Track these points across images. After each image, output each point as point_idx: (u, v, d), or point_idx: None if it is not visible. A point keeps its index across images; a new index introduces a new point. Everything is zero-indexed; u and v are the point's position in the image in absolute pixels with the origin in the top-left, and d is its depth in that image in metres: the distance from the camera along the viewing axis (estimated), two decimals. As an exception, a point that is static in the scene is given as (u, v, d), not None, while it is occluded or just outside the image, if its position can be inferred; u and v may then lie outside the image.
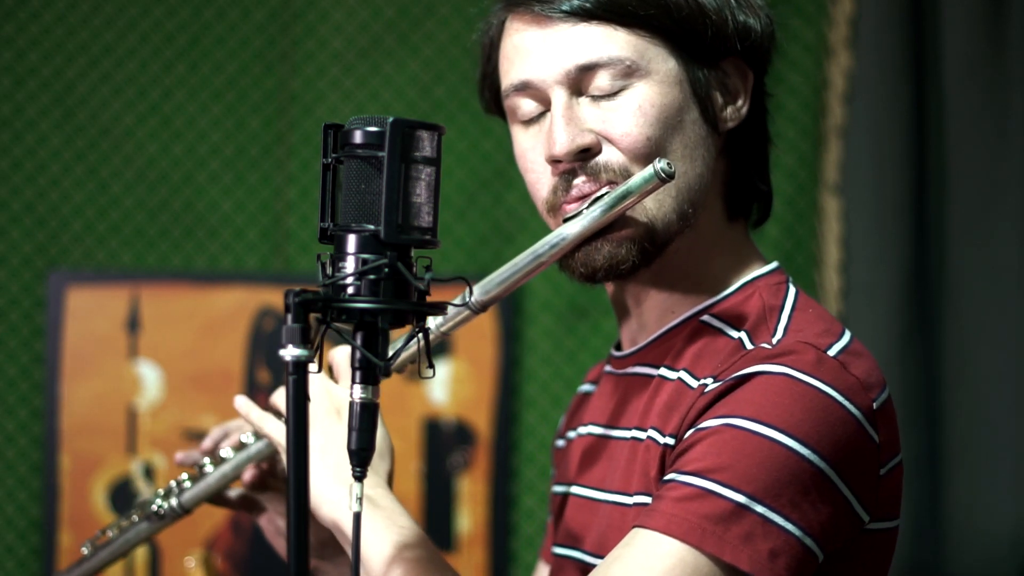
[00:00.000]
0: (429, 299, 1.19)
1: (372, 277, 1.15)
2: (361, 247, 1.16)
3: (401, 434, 2.50)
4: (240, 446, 1.54)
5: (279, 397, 1.47)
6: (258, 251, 2.58)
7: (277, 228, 2.58)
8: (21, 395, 2.56)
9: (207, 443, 1.59)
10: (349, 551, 1.35)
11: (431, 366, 1.21)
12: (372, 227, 1.16)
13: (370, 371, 1.18)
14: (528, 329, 2.55)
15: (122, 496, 2.53)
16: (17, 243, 2.57)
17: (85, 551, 1.62)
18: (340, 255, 1.17)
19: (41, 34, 2.58)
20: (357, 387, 1.19)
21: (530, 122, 1.39)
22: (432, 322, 1.36)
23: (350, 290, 1.16)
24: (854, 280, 2.39)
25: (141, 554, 2.52)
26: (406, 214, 1.16)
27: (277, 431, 1.43)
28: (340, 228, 1.17)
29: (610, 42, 1.34)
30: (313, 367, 1.13)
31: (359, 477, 1.19)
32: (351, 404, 1.19)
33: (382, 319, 1.16)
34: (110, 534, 1.61)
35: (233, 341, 2.53)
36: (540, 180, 1.39)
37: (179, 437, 2.51)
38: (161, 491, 1.57)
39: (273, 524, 1.61)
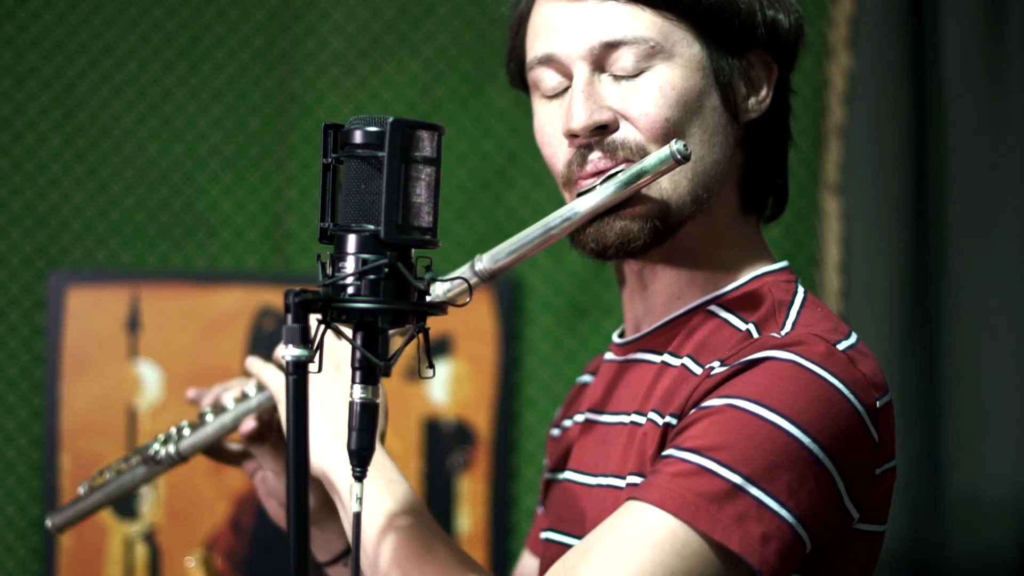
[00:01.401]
0: (429, 299, 1.19)
1: (372, 277, 1.15)
2: (361, 247, 1.16)
3: (401, 434, 2.50)
4: (242, 397, 1.53)
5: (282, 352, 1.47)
6: (258, 251, 2.57)
7: (277, 228, 2.58)
8: (21, 395, 2.56)
9: (206, 399, 1.59)
10: (337, 501, 1.37)
11: (431, 366, 1.21)
12: (372, 227, 1.16)
13: (370, 371, 1.19)
14: (528, 329, 2.55)
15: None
16: (17, 243, 2.57)
17: (81, 491, 1.63)
18: (340, 255, 1.17)
19: (41, 34, 2.58)
20: (357, 387, 1.19)
21: (552, 97, 1.40)
22: (440, 288, 1.36)
23: (350, 290, 1.16)
24: (854, 280, 2.38)
25: (141, 554, 2.52)
26: (406, 214, 1.16)
27: (277, 383, 1.44)
28: (340, 228, 1.17)
29: (636, 21, 1.35)
30: (313, 367, 1.13)
31: (359, 477, 1.19)
32: (351, 404, 1.19)
33: (382, 319, 1.16)
34: (107, 476, 1.61)
35: (233, 341, 2.53)
36: (557, 154, 1.40)
37: (179, 437, 2.51)
38: (161, 436, 1.58)
39: (266, 484, 1.61)
